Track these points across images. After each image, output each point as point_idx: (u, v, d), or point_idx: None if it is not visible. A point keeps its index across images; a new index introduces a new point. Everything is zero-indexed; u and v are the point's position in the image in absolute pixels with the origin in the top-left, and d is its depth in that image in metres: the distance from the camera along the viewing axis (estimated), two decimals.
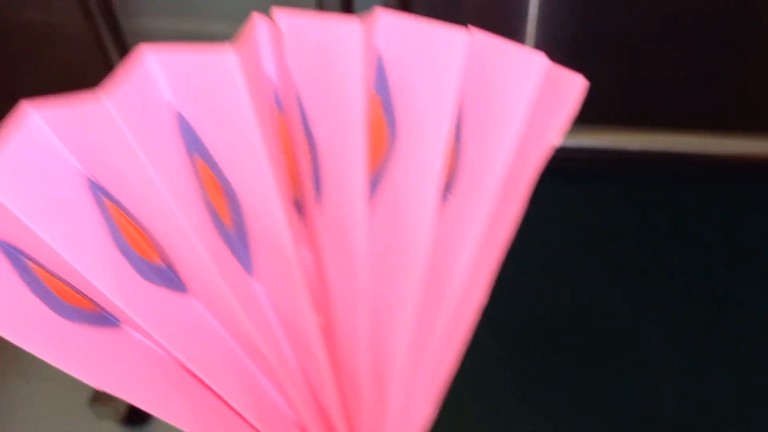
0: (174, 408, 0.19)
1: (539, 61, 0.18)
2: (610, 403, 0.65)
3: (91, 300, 0.18)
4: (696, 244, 0.76)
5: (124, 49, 0.73)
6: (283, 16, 0.17)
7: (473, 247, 0.19)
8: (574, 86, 0.19)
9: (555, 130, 0.19)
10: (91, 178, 0.17)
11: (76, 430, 0.85)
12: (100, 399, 0.80)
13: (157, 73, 0.16)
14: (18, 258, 0.17)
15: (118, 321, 0.19)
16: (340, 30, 0.17)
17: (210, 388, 0.19)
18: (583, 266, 0.76)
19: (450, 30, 0.18)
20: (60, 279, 0.18)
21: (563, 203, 0.80)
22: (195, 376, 0.19)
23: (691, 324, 0.70)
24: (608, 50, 0.74)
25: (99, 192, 0.17)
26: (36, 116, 0.15)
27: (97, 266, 0.17)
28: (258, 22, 0.16)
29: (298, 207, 0.19)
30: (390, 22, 0.18)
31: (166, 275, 0.19)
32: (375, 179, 0.19)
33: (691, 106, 0.78)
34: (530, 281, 0.73)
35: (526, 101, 0.18)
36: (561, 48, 0.72)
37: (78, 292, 0.18)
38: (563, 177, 0.77)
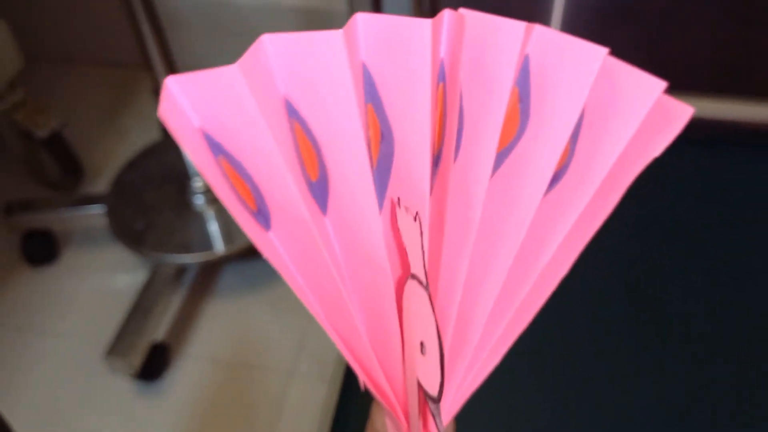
0: (304, 291, 0.23)
1: (657, 86, 0.21)
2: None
3: (255, 198, 0.22)
4: (723, 210, 0.75)
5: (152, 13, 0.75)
6: (466, 11, 0.21)
7: (566, 229, 0.23)
8: (682, 114, 0.22)
9: (657, 149, 0.22)
10: (287, 98, 0.21)
11: (89, 386, 0.88)
12: (115, 352, 0.82)
13: (360, 31, 0.20)
14: (215, 148, 0.21)
15: (269, 226, 0.22)
16: (506, 26, 0.21)
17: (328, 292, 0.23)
18: (616, 235, 0.76)
19: (591, 44, 0.21)
20: (239, 174, 0.21)
21: None
22: (317, 277, 0.23)
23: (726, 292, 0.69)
24: (639, 14, 0.74)
25: (291, 110, 0.21)
26: (266, 40, 0.20)
27: (271, 167, 0.20)
28: (446, 13, 0.20)
29: (436, 161, 0.22)
30: (543, 33, 0.21)
31: (318, 193, 0.22)
32: (501, 157, 0.23)
33: (720, 72, 0.78)
34: None
35: (637, 120, 0.21)
36: (592, 8, 0.72)
37: (250, 188, 0.22)
38: None
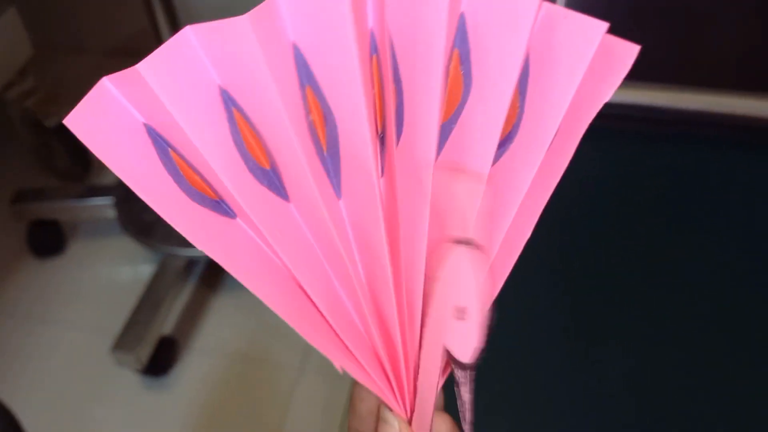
0: (264, 288, 0.21)
1: (599, 27, 0.20)
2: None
3: (213, 189, 0.21)
4: (747, 205, 0.75)
5: None
6: None
7: (525, 189, 0.22)
8: (628, 53, 0.21)
9: (606, 93, 0.21)
10: (224, 88, 0.20)
11: (96, 378, 0.87)
12: (122, 346, 0.81)
13: (283, 10, 0.19)
14: (162, 144, 0.21)
15: (234, 213, 0.22)
16: None
17: (296, 281, 0.22)
18: (633, 224, 0.76)
19: None
20: (191, 167, 0.21)
21: (617, 161, 0.79)
22: (286, 268, 0.22)
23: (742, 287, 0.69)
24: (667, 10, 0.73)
25: (228, 100, 0.20)
26: (190, 32, 0.19)
27: (219, 159, 0.20)
28: None
29: (381, 139, 0.21)
30: None
31: (273, 181, 0.21)
32: (449, 125, 0.22)
33: (748, 68, 0.77)
34: (575, 242, 0.73)
35: (583, 64, 0.21)
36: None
37: (204, 180, 0.21)
38: (616, 135, 0.76)
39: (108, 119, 0.20)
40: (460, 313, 0.21)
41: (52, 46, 1.30)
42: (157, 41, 0.81)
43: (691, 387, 0.66)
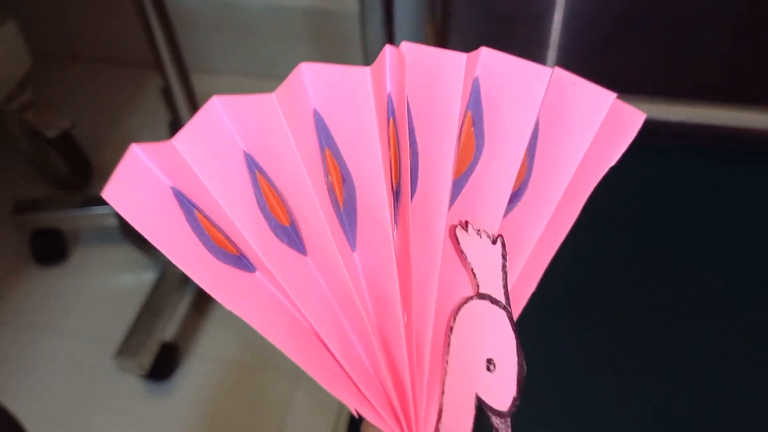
0: (283, 338, 0.22)
1: (607, 97, 0.22)
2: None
3: (235, 246, 0.23)
4: (730, 218, 0.76)
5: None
6: (406, 45, 0.21)
7: (532, 244, 0.23)
8: (635, 120, 0.22)
9: (613, 157, 0.23)
10: (248, 153, 0.21)
11: (98, 385, 0.88)
12: (125, 352, 0.82)
13: (307, 80, 0.20)
14: (188, 206, 0.22)
15: (254, 267, 0.23)
16: (448, 59, 0.21)
17: (313, 330, 0.23)
18: (616, 240, 0.76)
19: (537, 66, 0.22)
20: (214, 225, 0.22)
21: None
22: (303, 318, 0.23)
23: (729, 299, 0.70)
24: (648, 23, 0.74)
25: (252, 164, 0.21)
26: (217, 102, 0.20)
27: (243, 219, 0.21)
28: (387, 49, 0.21)
29: (396, 195, 0.22)
30: (490, 54, 0.22)
31: (292, 238, 0.23)
32: (460, 182, 0.23)
33: (730, 80, 0.78)
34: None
35: (592, 131, 0.22)
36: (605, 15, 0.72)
37: (226, 237, 0.22)
38: None
39: (138, 185, 0.21)
40: (489, 365, 0.22)
41: (51, 57, 1.31)
42: (152, 50, 0.82)
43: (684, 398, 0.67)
